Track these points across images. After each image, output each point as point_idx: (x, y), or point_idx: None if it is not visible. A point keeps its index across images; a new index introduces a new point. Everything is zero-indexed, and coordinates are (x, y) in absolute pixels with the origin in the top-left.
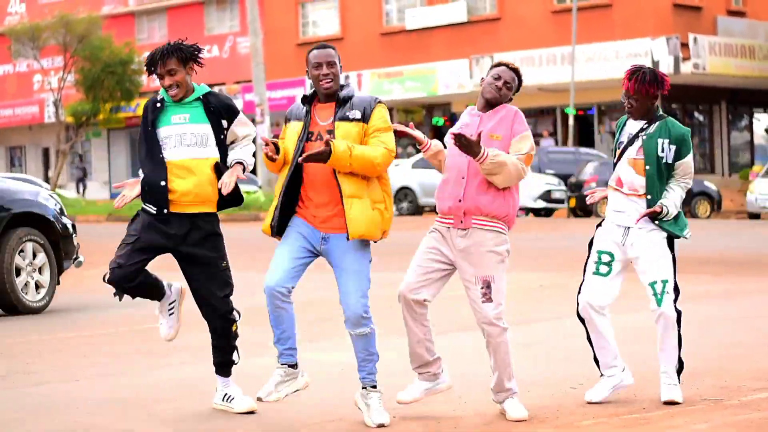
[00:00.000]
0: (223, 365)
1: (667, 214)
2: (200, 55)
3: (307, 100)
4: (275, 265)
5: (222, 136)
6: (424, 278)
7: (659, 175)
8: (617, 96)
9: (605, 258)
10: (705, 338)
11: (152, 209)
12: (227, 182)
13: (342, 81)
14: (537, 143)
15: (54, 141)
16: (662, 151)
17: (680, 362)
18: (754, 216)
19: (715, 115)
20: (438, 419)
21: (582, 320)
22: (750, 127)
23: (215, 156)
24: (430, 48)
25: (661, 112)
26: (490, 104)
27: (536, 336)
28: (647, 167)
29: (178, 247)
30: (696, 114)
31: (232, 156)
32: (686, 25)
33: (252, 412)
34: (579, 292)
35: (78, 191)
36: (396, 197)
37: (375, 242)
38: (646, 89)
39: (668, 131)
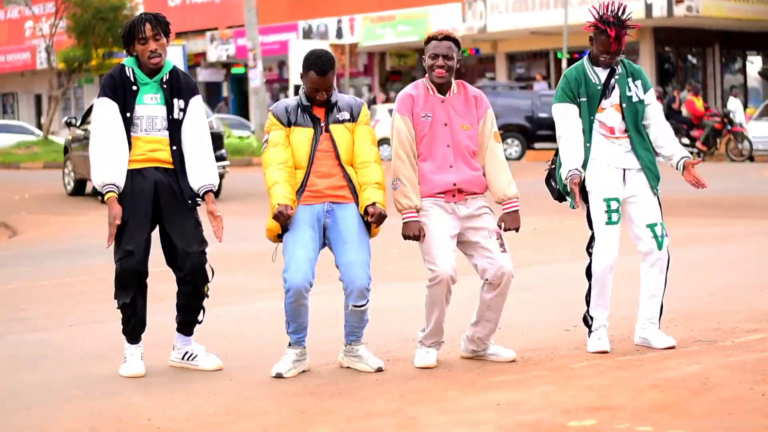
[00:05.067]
0: (188, 324)
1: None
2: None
3: (305, 109)
4: (296, 263)
5: (173, 116)
6: (453, 256)
7: (633, 112)
8: None
9: (614, 205)
10: (698, 280)
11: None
12: (218, 230)
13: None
14: (530, 87)
15: (46, 87)
16: (630, 90)
17: (661, 308)
18: (748, 158)
19: (709, 58)
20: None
21: (589, 276)
22: (743, 70)
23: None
24: None
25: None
26: (444, 86)
27: (531, 279)
28: (623, 105)
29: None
30: (689, 57)
31: (203, 180)
32: None
33: (219, 370)
34: (592, 247)
35: None
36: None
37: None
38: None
39: (628, 70)
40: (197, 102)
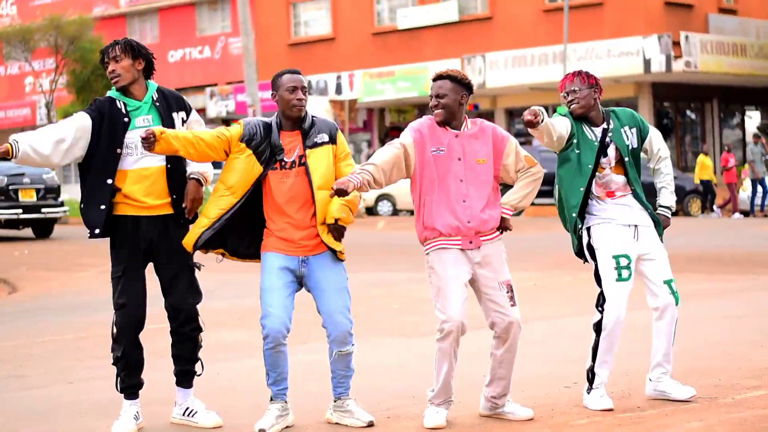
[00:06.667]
0: (186, 375)
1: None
2: (148, 53)
3: (272, 134)
4: (273, 308)
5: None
6: (465, 305)
7: (633, 164)
8: (609, 94)
9: (623, 262)
10: (699, 336)
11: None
12: (189, 212)
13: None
14: (530, 143)
15: None
16: (627, 138)
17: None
18: (747, 213)
19: (707, 113)
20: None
21: (598, 331)
22: (742, 125)
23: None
24: (421, 48)
25: (602, 108)
26: (448, 122)
27: (530, 335)
28: (626, 159)
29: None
30: (688, 112)
31: (195, 167)
32: (678, 23)
33: (218, 428)
34: (602, 303)
35: None
36: (376, 203)
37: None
38: (582, 75)
39: (619, 118)
40: (196, 115)
